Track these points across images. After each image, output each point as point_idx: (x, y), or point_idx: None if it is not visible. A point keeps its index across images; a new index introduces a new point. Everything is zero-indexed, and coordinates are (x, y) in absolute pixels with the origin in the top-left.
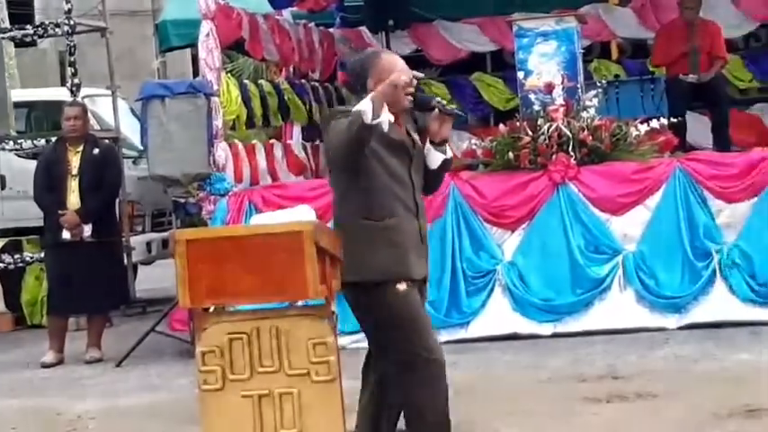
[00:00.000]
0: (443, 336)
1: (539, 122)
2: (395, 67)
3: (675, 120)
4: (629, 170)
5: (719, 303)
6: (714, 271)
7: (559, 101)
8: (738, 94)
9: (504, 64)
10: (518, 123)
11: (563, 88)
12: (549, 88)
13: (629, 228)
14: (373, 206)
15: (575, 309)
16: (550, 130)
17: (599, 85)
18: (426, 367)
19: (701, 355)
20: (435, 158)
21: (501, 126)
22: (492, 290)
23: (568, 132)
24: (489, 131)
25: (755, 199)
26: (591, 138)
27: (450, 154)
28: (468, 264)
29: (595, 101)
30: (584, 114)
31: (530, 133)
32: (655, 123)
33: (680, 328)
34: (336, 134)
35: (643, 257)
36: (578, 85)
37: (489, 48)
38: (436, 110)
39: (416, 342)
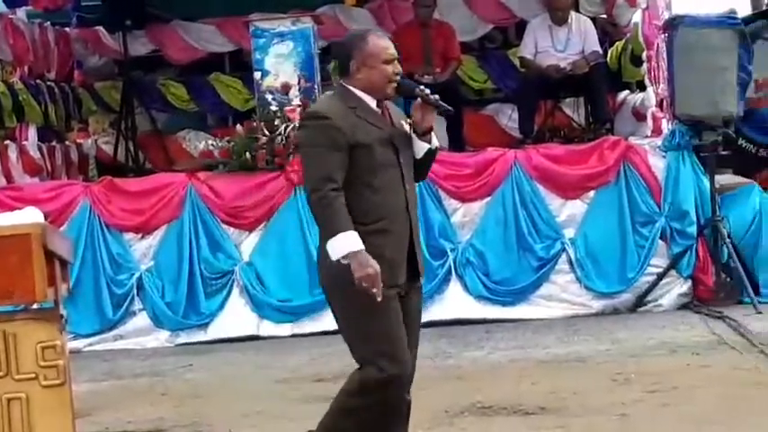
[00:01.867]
0: (181, 338)
1: (276, 123)
2: (381, 54)
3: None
4: None
5: (454, 302)
6: (449, 269)
7: (296, 101)
8: (473, 95)
9: (242, 64)
10: (255, 124)
11: (300, 89)
12: (286, 89)
13: None
14: (361, 210)
15: (313, 309)
16: (287, 131)
17: (336, 85)
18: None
19: (434, 353)
20: (420, 148)
21: (238, 126)
22: (230, 291)
23: None
24: (228, 132)
25: (489, 198)
26: None
27: (436, 143)
28: (206, 264)
29: None
30: None
31: (267, 134)
32: None
33: None
34: (325, 203)
35: None
36: (315, 86)
37: (228, 48)
38: (419, 99)
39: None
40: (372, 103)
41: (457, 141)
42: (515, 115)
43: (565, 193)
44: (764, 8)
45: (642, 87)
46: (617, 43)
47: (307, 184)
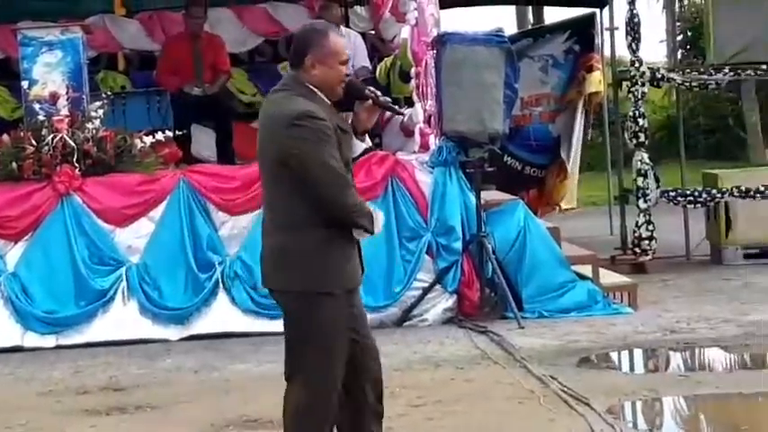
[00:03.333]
0: None
1: (43, 133)
2: (340, 54)
3: (180, 132)
4: (134, 182)
5: (222, 315)
6: (217, 282)
7: (64, 111)
8: (243, 108)
9: (10, 73)
10: (22, 133)
11: (68, 99)
12: (54, 98)
13: (133, 240)
14: (320, 214)
15: (78, 320)
16: (55, 141)
17: (105, 96)
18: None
19: (201, 366)
20: (358, 147)
21: (5, 136)
22: None
23: (73, 143)
24: None
25: (257, 211)
26: (95, 149)
27: (369, 143)
28: None
29: (101, 112)
30: (89, 125)
31: (34, 143)
32: (160, 135)
33: (182, 340)
34: (357, 204)
35: (147, 269)
36: (84, 96)
37: None
38: (369, 100)
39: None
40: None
41: (226, 154)
42: None
43: None
44: (529, 27)
45: (410, 103)
46: (386, 59)
47: (324, 179)
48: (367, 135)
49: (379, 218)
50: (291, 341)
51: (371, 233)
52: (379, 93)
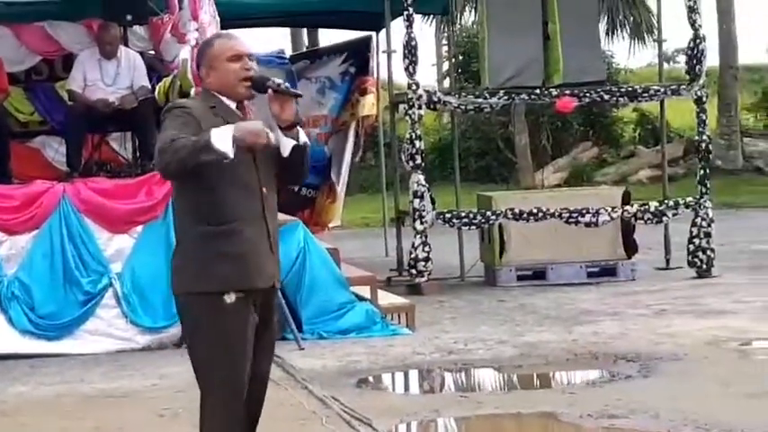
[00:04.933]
0: None
1: None
2: (224, 53)
3: None
4: None
5: None
6: None
7: None
8: (19, 127)
9: None
10: None
11: None
12: None
13: None
14: (209, 209)
15: None
16: None
17: None
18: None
19: None
20: (285, 145)
21: None
22: None
23: None
24: None
25: (36, 231)
26: None
27: (303, 139)
28: None
29: None
30: None
31: None
32: None
33: None
34: (174, 146)
35: None
36: None
37: None
38: (270, 90)
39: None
40: (232, 104)
41: (3, 173)
42: (63, 148)
43: (113, 228)
44: (305, 49)
45: None
46: (165, 79)
47: (155, 160)
48: (300, 130)
49: (245, 126)
50: None
51: (225, 154)
52: (279, 81)
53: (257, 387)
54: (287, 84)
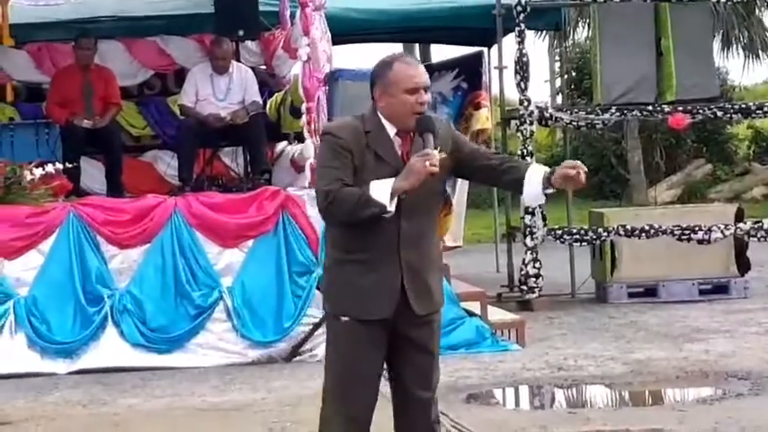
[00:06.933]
0: None
1: None
2: (402, 82)
3: (70, 165)
4: (23, 214)
5: (110, 349)
6: (106, 316)
7: None
8: (132, 141)
9: None
10: None
11: None
12: None
13: (22, 272)
14: (343, 237)
15: None
16: None
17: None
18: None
19: (90, 400)
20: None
21: None
22: None
23: None
24: None
25: (148, 245)
26: None
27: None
28: None
29: None
30: None
31: None
32: (50, 168)
33: (71, 374)
34: (340, 197)
35: (35, 302)
36: None
37: None
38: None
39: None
40: (392, 131)
41: (116, 187)
42: (174, 162)
43: (223, 242)
44: None
45: (301, 139)
46: (276, 94)
47: (318, 198)
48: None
49: (402, 176)
50: None
51: (385, 208)
52: (432, 138)
53: (411, 410)
54: (438, 143)
